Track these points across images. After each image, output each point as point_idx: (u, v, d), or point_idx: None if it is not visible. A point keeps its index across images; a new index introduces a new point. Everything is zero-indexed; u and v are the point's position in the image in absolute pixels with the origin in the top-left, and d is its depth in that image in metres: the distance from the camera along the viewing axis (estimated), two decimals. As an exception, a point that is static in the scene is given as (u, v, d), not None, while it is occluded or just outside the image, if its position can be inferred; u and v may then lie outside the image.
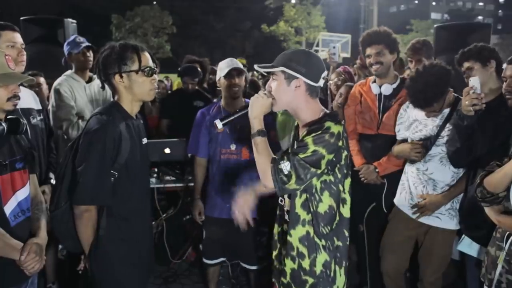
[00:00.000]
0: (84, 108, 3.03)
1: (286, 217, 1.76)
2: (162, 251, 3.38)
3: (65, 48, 3.11)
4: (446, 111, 2.31)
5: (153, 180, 3.48)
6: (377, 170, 2.64)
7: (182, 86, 4.06)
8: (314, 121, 1.67)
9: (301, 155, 1.56)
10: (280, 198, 1.82)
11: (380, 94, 2.72)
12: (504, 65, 2.05)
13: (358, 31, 21.90)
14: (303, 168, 1.55)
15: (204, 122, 2.75)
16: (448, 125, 2.27)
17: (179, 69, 4.16)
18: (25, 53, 2.39)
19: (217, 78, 2.75)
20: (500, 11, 46.40)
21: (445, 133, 2.28)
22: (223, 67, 2.65)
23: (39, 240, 1.73)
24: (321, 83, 1.67)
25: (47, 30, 4.44)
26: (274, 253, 1.88)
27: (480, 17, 41.52)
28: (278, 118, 3.11)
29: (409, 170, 2.43)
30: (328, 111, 1.73)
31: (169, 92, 4.69)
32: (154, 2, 26.04)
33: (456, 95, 2.32)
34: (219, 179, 2.68)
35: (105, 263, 1.84)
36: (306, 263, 1.67)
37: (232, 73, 2.62)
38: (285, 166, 1.57)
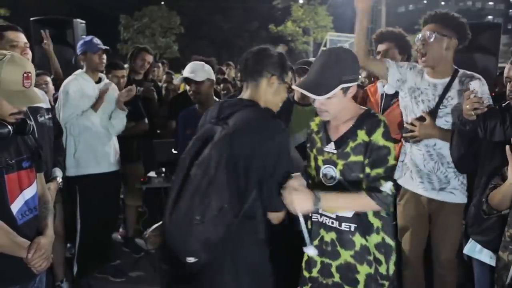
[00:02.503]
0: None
1: (335, 223, 1.75)
2: (169, 250, 3.39)
3: (80, 47, 3.11)
4: (446, 80, 2.25)
5: (161, 179, 3.49)
6: None
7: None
8: (362, 115, 1.70)
9: (391, 161, 1.64)
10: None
11: (383, 93, 2.71)
12: (508, 66, 2.01)
13: (366, 31, 21.81)
14: (393, 170, 1.67)
15: (182, 123, 2.83)
16: (449, 95, 2.23)
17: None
18: (29, 52, 2.41)
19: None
20: (510, 10, 45.89)
21: (447, 102, 2.24)
22: (184, 72, 2.73)
23: (46, 238, 1.74)
24: None
25: (56, 30, 4.48)
26: (316, 269, 1.83)
27: (490, 17, 41.11)
28: (297, 109, 3.08)
29: (414, 149, 2.36)
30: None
31: (178, 92, 4.71)
32: (162, 3, 26.16)
33: (455, 67, 2.29)
34: None
35: None
36: (383, 269, 1.73)
37: (187, 81, 2.70)
38: (387, 187, 1.62)
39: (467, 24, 2.25)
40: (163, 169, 3.50)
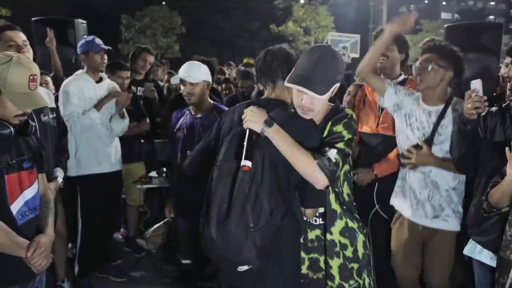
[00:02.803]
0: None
1: (318, 221, 1.83)
2: (170, 250, 3.39)
3: (81, 46, 3.11)
4: (440, 107, 2.27)
5: (161, 179, 3.50)
6: (374, 172, 2.62)
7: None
8: (331, 110, 1.74)
9: (341, 145, 1.62)
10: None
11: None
12: (507, 65, 2.01)
13: (367, 31, 21.78)
14: (345, 156, 1.63)
15: (173, 124, 2.82)
16: (443, 124, 2.25)
17: None
18: (28, 50, 2.40)
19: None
20: None
21: (442, 130, 2.25)
22: (179, 73, 2.66)
23: (46, 237, 1.74)
24: None
25: (58, 30, 4.47)
26: (305, 266, 1.86)
27: (491, 17, 41.05)
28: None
29: (412, 176, 2.37)
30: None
31: (179, 92, 4.72)
32: (163, 3, 26.16)
33: (449, 95, 2.31)
34: None
35: None
36: (349, 252, 1.80)
37: (181, 81, 2.64)
38: (332, 154, 1.59)
39: (463, 59, 2.27)
40: (164, 169, 3.50)
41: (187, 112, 2.78)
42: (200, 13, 28.17)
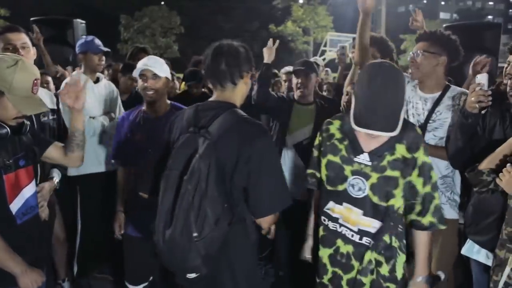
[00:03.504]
0: (92, 108, 3.05)
1: (355, 236, 1.71)
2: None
3: (80, 46, 3.10)
4: (436, 95, 2.28)
5: (161, 179, 3.49)
6: None
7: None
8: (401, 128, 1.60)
9: (434, 177, 1.69)
10: (334, 215, 1.76)
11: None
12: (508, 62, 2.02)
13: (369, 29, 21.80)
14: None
15: (123, 127, 2.50)
16: (438, 110, 2.25)
17: (184, 73, 4.17)
18: (27, 52, 2.37)
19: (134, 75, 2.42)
20: (510, 10, 45.88)
21: (436, 117, 2.25)
22: (138, 66, 2.37)
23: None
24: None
25: (57, 30, 4.49)
26: (327, 277, 1.79)
27: (490, 17, 41.11)
28: (297, 108, 3.08)
29: None
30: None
31: (177, 92, 4.71)
32: (162, 3, 26.15)
33: (447, 83, 2.31)
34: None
35: None
36: (385, 270, 1.70)
37: (145, 75, 2.33)
38: (436, 202, 1.70)
39: (457, 41, 2.27)
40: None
41: (141, 113, 2.47)
42: (199, 13, 28.18)
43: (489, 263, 1.97)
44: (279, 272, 3.36)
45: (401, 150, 1.64)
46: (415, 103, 2.33)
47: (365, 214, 1.68)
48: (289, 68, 4.26)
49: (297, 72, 3.03)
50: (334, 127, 1.78)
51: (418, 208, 1.69)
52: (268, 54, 2.97)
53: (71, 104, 1.81)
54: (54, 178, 2.46)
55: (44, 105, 1.74)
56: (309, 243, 2.03)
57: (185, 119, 1.72)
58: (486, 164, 1.86)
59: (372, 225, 1.68)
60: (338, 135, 1.75)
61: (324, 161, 1.78)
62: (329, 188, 1.77)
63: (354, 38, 2.99)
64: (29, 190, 1.76)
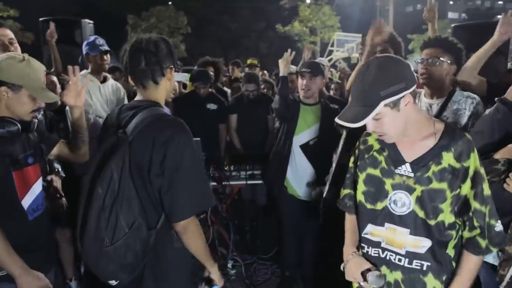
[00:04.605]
0: (100, 108, 3.07)
1: (404, 260, 1.50)
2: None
3: (84, 48, 3.15)
4: (441, 100, 2.23)
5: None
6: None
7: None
8: (446, 132, 1.44)
9: (487, 190, 1.44)
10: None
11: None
12: None
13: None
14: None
15: None
16: (444, 116, 2.19)
17: (191, 73, 4.19)
18: (15, 47, 2.42)
19: None
20: (520, 10, 45.31)
21: None
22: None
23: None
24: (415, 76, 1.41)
25: (65, 30, 4.52)
26: None
27: (499, 16, 40.58)
28: (303, 108, 3.09)
29: None
30: (436, 119, 1.52)
31: (185, 92, 4.73)
32: (170, 3, 26.23)
33: (451, 88, 2.27)
34: None
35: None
36: None
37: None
38: (499, 227, 1.44)
39: (463, 50, 2.24)
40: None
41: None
42: (206, 13, 28.21)
43: (496, 262, 1.96)
44: (285, 272, 3.36)
45: (448, 158, 1.43)
46: (425, 107, 2.30)
47: (412, 233, 1.47)
48: (292, 69, 4.26)
49: (303, 74, 3.03)
50: (373, 138, 1.59)
51: (472, 226, 1.45)
52: (284, 66, 2.96)
53: (72, 102, 1.84)
54: (58, 169, 2.50)
55: (55, 96, 1.80)
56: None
57: (108, 121, 1.67)
58: (503, 153, 1.77)
59: (421, 244, 1.47)
60: (376, 146, 1.57)
61: (362, 176, 1.58)
62: (368, 207, 1.56)
63: (363, 36, 2.99)
64: (38, 187, 1.79)
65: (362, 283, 1.52)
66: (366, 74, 1.36)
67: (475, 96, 2.22)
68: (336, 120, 1.39)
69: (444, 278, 1.48)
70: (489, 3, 45.37)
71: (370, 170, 1.55)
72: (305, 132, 3.07)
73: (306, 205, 3.14)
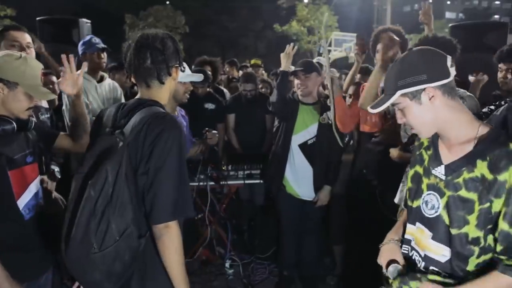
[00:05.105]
0: (97, 108, 3.06)
1: (421, 264, 1.45)
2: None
3: (80, 48, 3.16)
4: None
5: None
6: None
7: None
8: (488, 139, 1.30)
9: None
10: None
11: (382, 87, 2.72)
12: None
13: (371, 31, 21.71)
14: None
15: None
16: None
17: None
18: (30, 51, 2.42)
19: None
20: (517, 10, 45.51)
21: None
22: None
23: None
24: (453, 72, 1.32)
25: (62, 30, 4.51)
26: None
27: (496, 16, 40.80)
28: (301, 108, 3.09)
29: None
30: (484, 122, 1.40)
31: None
32: (167, 2, 26.20)
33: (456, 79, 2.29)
34: None
35: None
36: None
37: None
38: None
39: (454, 42, 2.18)
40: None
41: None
42: (204, 12, 28.17)
43: None
44: (283, 271, 3.36)
45: (482, 167, 1.30)
46: None
47: (434, 238, 1.41)
48: (291, 68, 4.26)
49: (296, 73, 3.04)
50: (427, 139, 1.53)
51: (499, 247, 1.30)
52: (286, 60, 2.96)
53: (70, 91, 1.84)
54: (54, 170, 2.49)
55: (52, 93, 1.80)
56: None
57: (105, 119, 1.59)
58: None
59: (442, 253, 1.39)
60: (425, 143, 1.51)
61: (411, 173, 1.55)
62: (409, 204, 1.53)
63: (357, 37, 3.00)
64: (35, 186, 1.78)
65: (384, 270, 1.52)
66: (394, 64, 1.38)
67: (469, 93, 2.22)
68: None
69: None
70: (486, 3, 45.48)
71: (417, 167, 1.52)
72: (303, 132, 3.08)
73: (304, 204, 3.15)
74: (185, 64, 2.48)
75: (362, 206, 2.91)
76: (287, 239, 3.25)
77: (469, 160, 1.32)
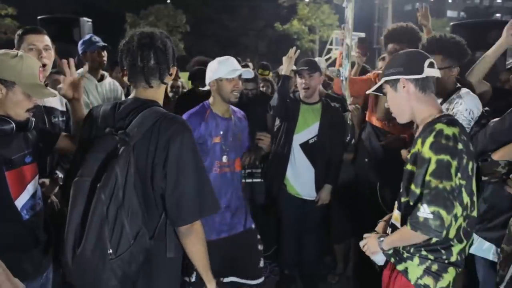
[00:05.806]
0: (98, 106, 3.07)
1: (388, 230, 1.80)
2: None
3: (80, 47, 3.15)
4: (440, 101, 2.19)
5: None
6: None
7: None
8: (427, 123, 1.58)
9: (431, 179, 1.45)
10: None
11: None
12: None
13: (372, 29, 21.68)
14: (443, 195, 1.42)
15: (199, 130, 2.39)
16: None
17: (189, 73, 4.18)
18: (48, 54, 2.38)
19: (215, 77, 2.40)
20: (518, 8, 45.39)
21: None
22: (229, 68, 2.36)
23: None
24: (428, 72, 1.59)
25: (63, 29, 4.51)
26: None
27: (498, 15, 40.69)
28: (303, 107, 3.09)
29: None
30: (445, 112, 1.67)
31: (184, 91, 4.72)
32: (168, 1, 26.20)
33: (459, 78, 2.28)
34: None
35: None
36: None
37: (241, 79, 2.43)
38: (424, 212, 1.45)
39: (463, 43, 2.20)
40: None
41: (213, 113, 2.46)
42: (205, 11, 28.17)
43: (495, 259, 1.96)
44: (284, 270, 3.36)
45: (418, 144, 1.57)
46: None
47: (397, 209, 1.74)
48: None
49: (301, 73, 3.03)
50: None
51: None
52: (287, 64, 2.95)
53: (70, 95, 1.83)
54: (57, 174, 2.47)
55: (52, 92, 1.78)
56: None
57: (100, 119, 1.55)
58: (501, 155, 1.82)
59: (398, 218, 1.71)
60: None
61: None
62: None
63: (359, 40, 3.02)
64: (33, 186, 1.77)
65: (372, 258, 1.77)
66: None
67: (464, 95, 2.20)
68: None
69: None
70: (488, 2, 45.40)
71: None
72: (305, 131, 3.08)
73: (305, 204, 3.15)
74: (231, 58, 2.44)
75: (363, 204, 2.91)
76: (287, 238, 3.25)
77: (415, 140, 1.60)
